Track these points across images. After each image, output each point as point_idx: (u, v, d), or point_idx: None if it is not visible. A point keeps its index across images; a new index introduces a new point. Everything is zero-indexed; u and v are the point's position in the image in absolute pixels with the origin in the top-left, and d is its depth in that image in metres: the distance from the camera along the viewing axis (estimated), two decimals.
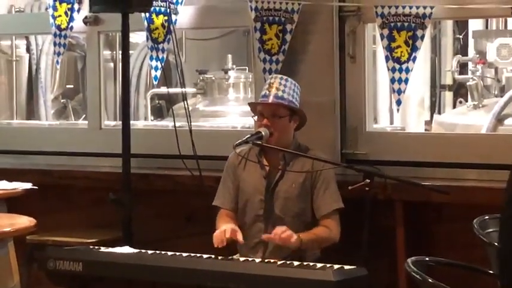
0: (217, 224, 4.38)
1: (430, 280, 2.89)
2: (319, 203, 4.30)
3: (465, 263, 3.62)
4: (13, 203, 4.89)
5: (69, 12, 5.54)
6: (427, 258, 3.29)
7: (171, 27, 5.14)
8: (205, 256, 3.99)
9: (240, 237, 4.16)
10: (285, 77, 4.42)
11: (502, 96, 5.45)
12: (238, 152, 4.37)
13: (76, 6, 5.53)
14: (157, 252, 4.10)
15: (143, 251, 4.16)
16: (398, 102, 4.68)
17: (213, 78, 6.37)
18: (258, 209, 4.36)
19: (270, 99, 4.31)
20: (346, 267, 3.71)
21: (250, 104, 4.51)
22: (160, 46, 5.29)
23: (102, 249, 4.27)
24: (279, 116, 4.32)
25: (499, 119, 5.15)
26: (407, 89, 4.71)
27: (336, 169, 4.41)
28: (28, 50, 6.91)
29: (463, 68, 6.26)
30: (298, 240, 4.10)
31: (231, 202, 4.44)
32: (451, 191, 4.28)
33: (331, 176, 4.34)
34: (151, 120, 6.68)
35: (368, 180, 4.10)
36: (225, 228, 4.16)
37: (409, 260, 3.06)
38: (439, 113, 6.44)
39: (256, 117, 4.38)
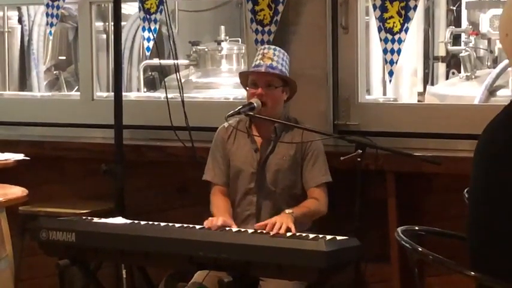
0: (211, 203, 4.34)
1: (419, 249, 2.88)
2: (308, 176, 4.29)
3: (455, 232, 3.62)
4: (5, 174, 4.87)
5: None
6: (416, 228, 3.28)
7: None
8: (197, 227, 4.00)
9: (233, 227, 4.10)
10: (277, 48, 4.39)
11: (494, 68, 5.46)
12: (230, 123, 4.35)
13: None
14: (150, 222, 4.10)
15: (136, 221, 4.17)
16: (391, 73, 4.67)
17: (206, 49, 6.35)
18: (249, 182, 4.32)
19: (264, 69, 4.27)
20: (339, 237, 3.72)
21: (241, 74, 4.47)
22: (153, 17, 5.26)
23: (95, 219, 4.29)
24: (274, 86, 4.29)
25: (491, 90, 5.16)
26: (400, 60, 4.69)
27: (326, 141, 4.40)
28: (20, 21, 6.88)
29: (456, 39, 6.27)
30: (291, 217, 4.04)
31: (223, 177, 4.39)
32: (443, 161, 4.28)
33: (320, 149, 4.32)
34: (144, 91, 6.67)
35: (360, 151, 4.10)
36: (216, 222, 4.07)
37: (398, 229, 3.04)
38: (432, 84, 6.45)
39: (249, 89, 4.35)
